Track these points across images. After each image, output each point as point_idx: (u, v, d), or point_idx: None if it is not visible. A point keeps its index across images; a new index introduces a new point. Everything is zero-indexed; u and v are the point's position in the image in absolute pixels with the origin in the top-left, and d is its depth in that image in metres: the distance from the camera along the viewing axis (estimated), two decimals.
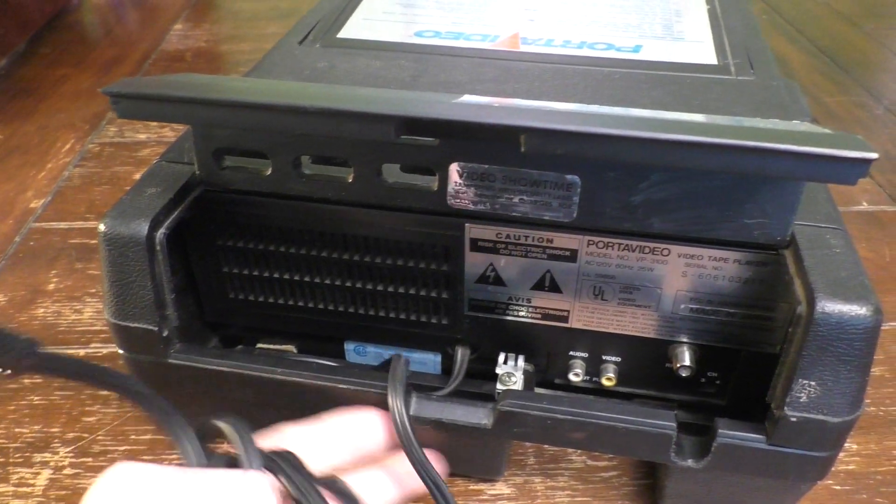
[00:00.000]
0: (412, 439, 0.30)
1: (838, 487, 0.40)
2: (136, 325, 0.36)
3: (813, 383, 0.30)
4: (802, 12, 1.07)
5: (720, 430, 0.33)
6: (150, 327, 0.35)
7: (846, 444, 0.42)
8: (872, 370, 0.47)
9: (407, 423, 0.31)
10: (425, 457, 0.30)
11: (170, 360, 0.36)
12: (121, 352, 0.37)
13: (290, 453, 0.28)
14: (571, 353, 0.39)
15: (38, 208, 0.64)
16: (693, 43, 0.51)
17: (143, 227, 0.33)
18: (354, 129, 0.28)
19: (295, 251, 0.38)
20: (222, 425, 0.27)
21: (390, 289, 0.38)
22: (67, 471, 0.41)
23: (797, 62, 0.91)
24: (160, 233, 0.34)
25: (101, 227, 0.34)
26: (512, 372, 0.38)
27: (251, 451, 0.27)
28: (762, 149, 0.24)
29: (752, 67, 0.47)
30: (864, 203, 0.64)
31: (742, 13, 0.56)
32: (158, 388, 0.40)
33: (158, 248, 0.34)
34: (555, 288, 0.37)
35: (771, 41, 0.95)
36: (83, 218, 0.62)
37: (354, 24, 0.53)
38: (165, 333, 0.36)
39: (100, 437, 0.43)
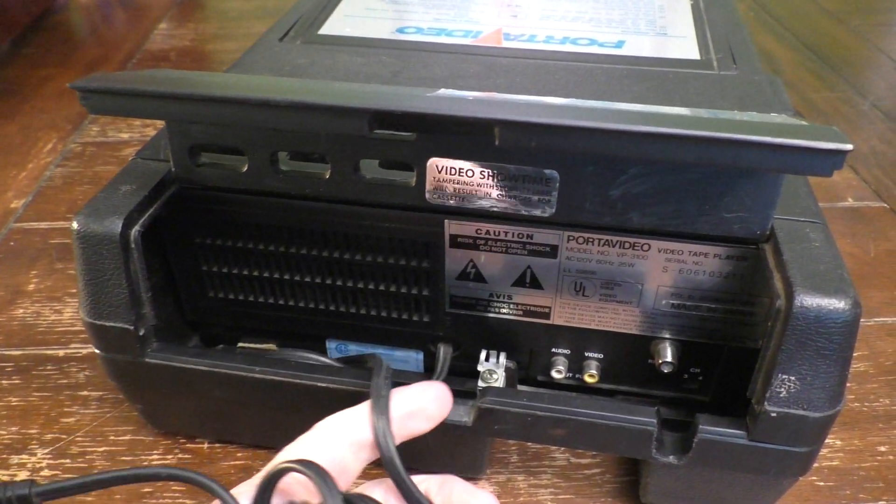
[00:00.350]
0: (399, 469, 0.29)
1: (822, 484, 0.40)
2: (111, 324, 0.35)
3: (792, 378, 0.30)
4: (789, 9, 1.07)
5: (701, 426, 0.32)
6: (126, 326, 0.35)
7: (830, 440, 0.42)
8: (857, 366, 0.47)
9: (393, 452, 0.29)
10: (410, 481, 0.29)
11: (146, 360, 0.36)
12: (97, 351, 0.37)
13: (368, 498, 0.28)
14: (554, 349, 0.39)
15: (18, 208, 0.63)
16: (676, 38, 0.51)
17: (117, 225, 0.33)
18: (327, 123, 0.28)
19: (274, 249, 0.38)
20: (299, 469, 0.26)
21: (371, 286, 0.38)
22: (45, 472, 0.40)
23: (784, 59, 0.91)
24: (134, 230, 0.34)
25: (75, 225, 0.33)
26: (494, 369, 0.38)
27: (335, 496, 0.26)
28: (735, 140, 0.24)
29: (735, 62, 0.47)
30: (850, 199, 0.64)
31: (726, 9, 0.56)
32: (136, 387, 0.39)
33: (133, 245, 0.34)
34: (536, 284, 0.36)
35: (758, 38, 0.95)
36: (64, 218, 0.62)
37: (336, 20, 0.53)
38: (142, 332, 0.35)
39: (78, 438, 0.42)
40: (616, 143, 0.25)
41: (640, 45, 0.49)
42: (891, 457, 0.41)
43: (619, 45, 0.49)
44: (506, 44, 0.50)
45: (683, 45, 0.50)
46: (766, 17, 1.05)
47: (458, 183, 0.33)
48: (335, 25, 0.52)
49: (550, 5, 0.56)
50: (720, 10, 0.56)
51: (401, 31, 0.52)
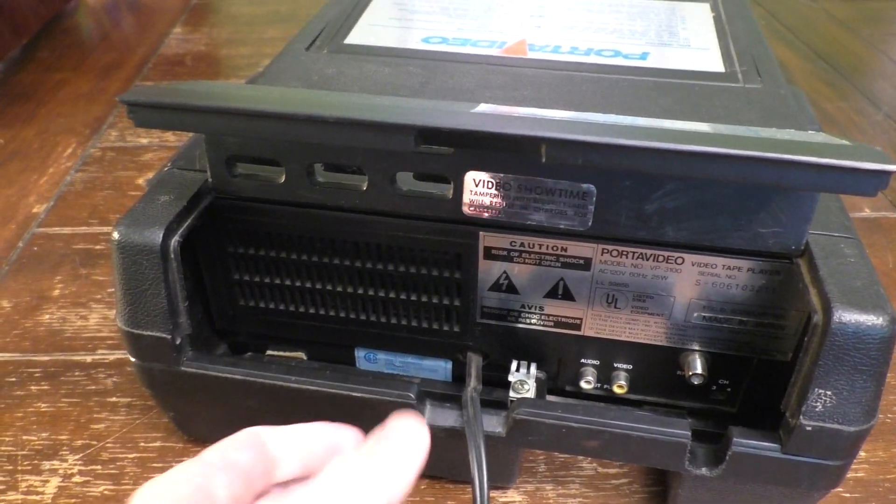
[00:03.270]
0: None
1: (847, 495, 0.40)
2: (149, 332, 0.35)
3: (829, 392, 0.30)
4: (800, 18, 1.08)
5: (735, 439, 0.33)
6: (163, 335, 0.35)
7: None
8: None
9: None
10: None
11: (182, 368, 0.36)
12: (132, 359, 0.37)
13: None
14: (583, 360, 0.39)
15: (40, 213, 0.63)
16: (699, 50, 0.51)
17: (158, 236, 0.33)
18: (373, 140, 0.28)
19: (307, 259, 0.38)
20: None
21: (402, 296, 0.38)
22: (76, 478, 0.41)
23: (796, 68, 0.92)
24: (174, 241, 0.34)
25: (115, 235, 0.34)
26: (524, 380, 0.38)
27: None
28: (783, 160, 0.24)
29: (759, 75, 0.47)
30: (867, 210, 0.65)
31: (747, 21, 0.57)
32: (170, 396, 0.40)
33: (172, 255, 0.34)
34: (568, 296, 0.37)
35: (769, 47, 0.96)
36: (86, 223, 0.62)
37: (361, 29, 0.53)
38: (178, 341, 0.36)
39: (108, 445, 0.43)
40: (663, 161, 0.25)
41: (665, 57, 0.50)
42: None
43: (644, 56, 0.50)
44: (531, 54, 0.50)
45: (707, 57, 0.50)
46: (777, 25, 1.05)
47: (494, 196, 0.33)
48: (360, 35, 0.53)
49: (573, 16, 0.57)
50: (742, 22, 0.56)
51: (425, 40, 0.52)
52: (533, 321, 0.38)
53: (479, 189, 0.33)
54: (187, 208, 0.35)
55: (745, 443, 0.33)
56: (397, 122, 0.27)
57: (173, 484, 0.23)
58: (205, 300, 0.41)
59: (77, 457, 0.42)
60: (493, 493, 0.40)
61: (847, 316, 0.29)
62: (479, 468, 0.31)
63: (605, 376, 0.40)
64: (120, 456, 0.42)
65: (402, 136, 0.28)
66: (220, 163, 0.35)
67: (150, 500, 0.22)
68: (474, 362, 0.39)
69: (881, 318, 0.29)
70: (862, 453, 0.43)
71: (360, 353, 0.43)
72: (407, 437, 0.25)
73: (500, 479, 0.40)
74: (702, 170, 0.26)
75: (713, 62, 0.49)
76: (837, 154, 0.25)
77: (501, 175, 0.33)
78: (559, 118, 0.29)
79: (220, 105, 0.29)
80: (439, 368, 0.42)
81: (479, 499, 0.30)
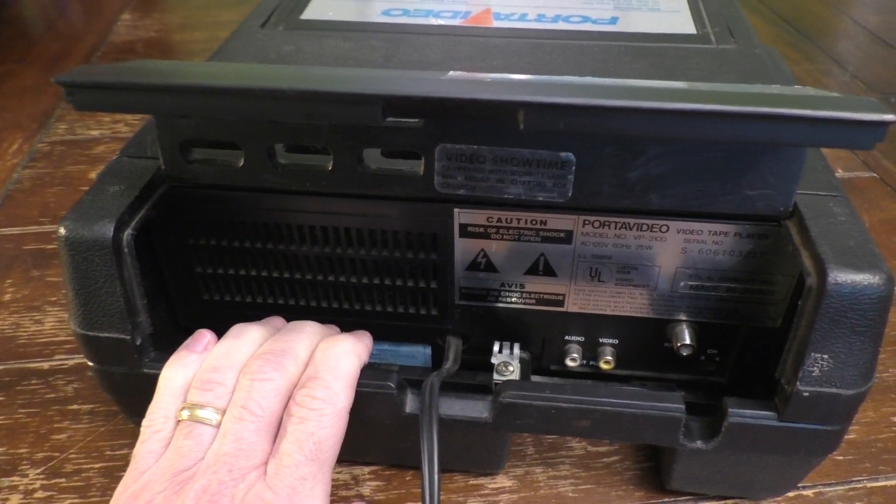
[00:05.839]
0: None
1: (841, 458, 0.40)
2: (106, 334, 0.33)
3: (825, 357, 0.29)
4: None
5: (730, 410, 0.32)
6: (122, 336, 0.33)
7: None
8: None
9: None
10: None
11: (144, 371, 0.34)
12: (90, 364, 0.35)
13: None
14: (567, 337, 0.38)
15: None
16: (669, 13, 0.49)
17: (108, 229, 0.31)
18: (338, 113, 0.26)
19: (273, 247, 0.36)
20: None
21: (375, 281, 0.37)
22: (39, 494, 0.38)
23: (762, 32, 0.91)
24: (127, 234, 0.32)
25: (62, 231, 0.31)
26: (508, 361, 0.36)
27: None
28: (778, 115, 0.23)
29: (733, 36, 0.46)
30: (840, 170, 0.64)
31: None
32: (133, 400, 0.37)
33: (126, 250, 0.32)
34: (549, 271, 0.35)
35: (740, 8, 0.95)
36: (37, 222, 0.59)
37: (318, 4, 0.51)
38: (138, 342, 0.33)
39: (72, 456, 0.40)
40: (653, 122, 0.24)
41: (635, 21, 0.48)
42: None
43: (613, 21, 0.48)
44: (496, 24, 0.48)
45: (678, 19, 0.49)
46: None
47: (468, 170, 0.32)
48: (317, 10, 0.50)
49: None
50: None
51: (386, 13, 0.50)
52: (514, 300, 0.36)
53: (451, 163, 0.31)
54: (140, 199, 0.33)
55: (741, 413, 0.32)
56: (363, 93, 0.25)
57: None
58: (167, 297, 0.39)
59: (38, 471, 0.39)
60: (482, 480, 0.39)
61: (842, 277, 0.28)
62: (429, 460, 0.29)
63: (590, 353, 0.38)
64: (85, 466, 0.39)
65: (368, 107, 0.26)
66: (173, 148, 0.33)
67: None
68: (453, 346, 0.37)
69: (877, 277, 0.28)
70: None
71: None
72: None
73: (488, 466, 0.39)
74: (695, 130, 0.24)
75: (684, 24, 0.48)
76: (834, 106, 0.23)
77: (475, 147, 0.31)
78: (537, 81, 0.27)
79: (167, 82, 0.26)
80: (418, 354, 0.40)
81: (427, 490, 0.28)
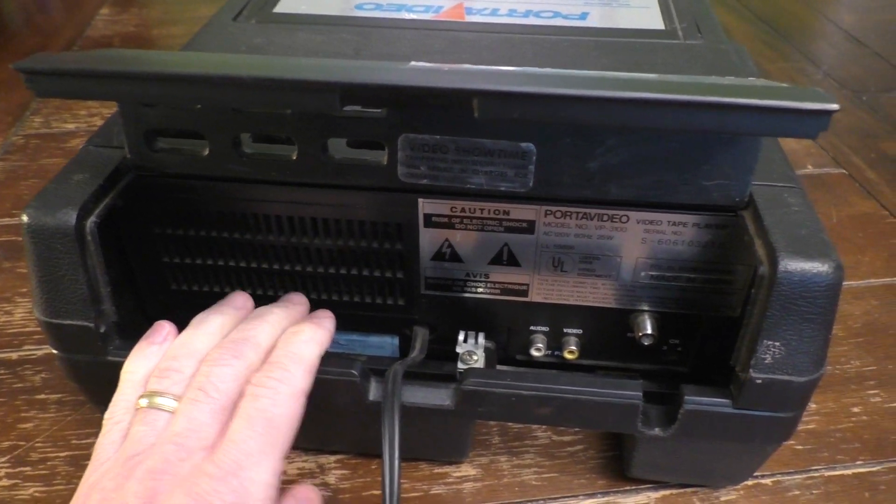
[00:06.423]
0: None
1: (800, 447, 0.40)
2: (69, 322, 0.33)
3: (777, 344, 0.30)
4: None
5: (686, 397, 0.32)
6: (85, 324, 0.33)
7: None
8: None
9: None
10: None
11: (108, 358, 0.34)
12: (55, 352, 0.35)
13: None
14: (532, 327, 0.38)
15: None
16: (639, 8, 0.50)
17: (71, 217, 0.31)
18: (296, 101, 0.26)
19: (239, 236, 0.36)
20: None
21: (342, 271, 0.37)
22: (4, 482, 0.38)
23: (737, 31, 0.92)
24: (90, 221, 0.32)
25: (24, 218, 0.31)
26: (473, 350, 0.37)
27: None
28: (722, 104, 0.23)
29: (700, 31, 0.46)
30: (810, 166, 0.65)
31: None
32: (98, 388, 0.37)
33: (89, 238, 0.32)
34: (513, 261, 0.35)
35: (709, 5, 0.96)
36: (9, 214, 0.58)
37: None
38: (103, 330, 0.34)
39: (38, 444, 0.40)
40: (604, 111, 0.24)
41: (604, 16, 0.49)
42: (864, 417, 0.42)
43: (583, 16, 0.49)
44: (468, 18, 0.49)
45: (647, 15, 0.49)
46: None
47: (431, 160, 0.32)
48: (291, 3, 0.50)
49: None
50: None
51: (359, 7, 0.50)
52: (479, 290, 0.37)
53: (414, 153, 0.32)
54: (104, 187, 0.33)
55: (696, 400, 0.32)
56: (320, 80, 0.26)
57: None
58: (134, 286, 0.39)
59: (3, 459, 0.39)
60: (447, 468, 0.39)
61: (793, 265, 0.28)
62: (390, 446, 0.29)
63: (555, 343, 0.39)
64: (51, 455, 0.39)
65: (326, 95, 0.26)
66: (138, 137, 0.33)
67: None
68: (420, 335, 0.38)
69: (826, 266, 0.28)
70: (813, 405, 0.43)
71: None
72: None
73: (452, 454, 0.39)
74: (642, 118, 0.25)
75: (653, 20, 0.48)
76: (777, 96, 0.24)
77: (437, 137, 0.31)
78: (492, 71, 0.27)
79: (124, 69, 0.26)
80: (386, 345, 0.41)
81: (388, 476, 0.29)
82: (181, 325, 0.40)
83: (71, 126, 0.71)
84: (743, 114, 0.24)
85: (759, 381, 0.30)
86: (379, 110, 0.31)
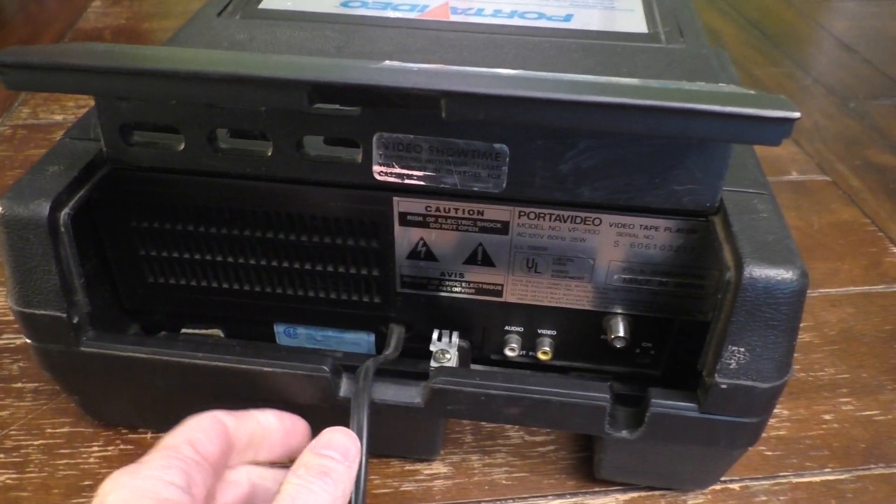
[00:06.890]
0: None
1: (769, 453, 0.41)
2: (42, 312, 0.33)
3: (742, 349, 0.30)
4: None
5: (653, 400, 0.32)
6: (58, 314, 0.33)
7: (777, 410, 0.42)
8: (802, 336, 0.48)
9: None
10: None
11: (81, 349, 0.34)
12: (29, 341, 0.35)
13: None
14: (507, 327, 0.39)
15: None
16: (624, 12, 0.50)
17: (44, 208, 0.31)
18: (264, 98, 0.26)
19: (215, 231, 0.36)
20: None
21: (318, 268, 0.37)
22: None
23: (728, 35, 0.92)
24: (63, 213, 0.32)
25: None
26: (446, 349, 0.37)
27: None
28: (683, 109, 0.24)
29: (682, 36, 0.46)
30: (794, 173, 0.65)
31: None
32: (71, 378, 0.38)
33: (62, 229, 0.32)
34: (487, 261, 0.36)
35: (703, 15, 0.96)
36: None
37: None
38: (75, 320, 0.34)
39: (12, 432, 0.40)
40: (566, 114, 0.24)
41: (589, 19, 0.49)
42: (835, 425, 0.42)
43: (568, 18, 0.49)
44: (453, 18, 0.49)
45: (631, 18, 0.49)
46: None
47: (405, 159, 0.32)
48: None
49: None
50: None
51: (344, 4, 0.50)
52: (454, 289, 0.37)
53: (388, 152, 0.32)
54: (79, 179, 0.33)
55: (663, 403, 0.32)
56: (288, 78, 0.26)
57: (155, 484, 0.23)
58: (112, 279, 0.39)
59: None
60: (418, 466, 0.39)
61: (758, 271, 0.29)
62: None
63: (529, 343, 0.39)
64: (24, 443, 0.40)
65: (294, 92, 0.26)
66: (113, 130, 0.33)
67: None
68: (395, 333, 0.38)
69: (791, 273, 0.29)
70: (784, 411, 0.43)
71: (279, 329, 0.41)
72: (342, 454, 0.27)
73: (423, 452, 0.39)
74: (606, 122, 0.25)
75: (637, 23, 0.48)
76: (741, 102, 0.24)
77: (411, 136, 0.31)
78: (462, 72, 0.27)
79: (95, 64, 0.27)
80: (362, 341, 0.41)
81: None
82: (159, 318, 0.40)
83: (59, 117, 0.71)
84: (704, 120, 0.24)
85: (724, 386, 0.31)
86: (353, 108, 0.31)
